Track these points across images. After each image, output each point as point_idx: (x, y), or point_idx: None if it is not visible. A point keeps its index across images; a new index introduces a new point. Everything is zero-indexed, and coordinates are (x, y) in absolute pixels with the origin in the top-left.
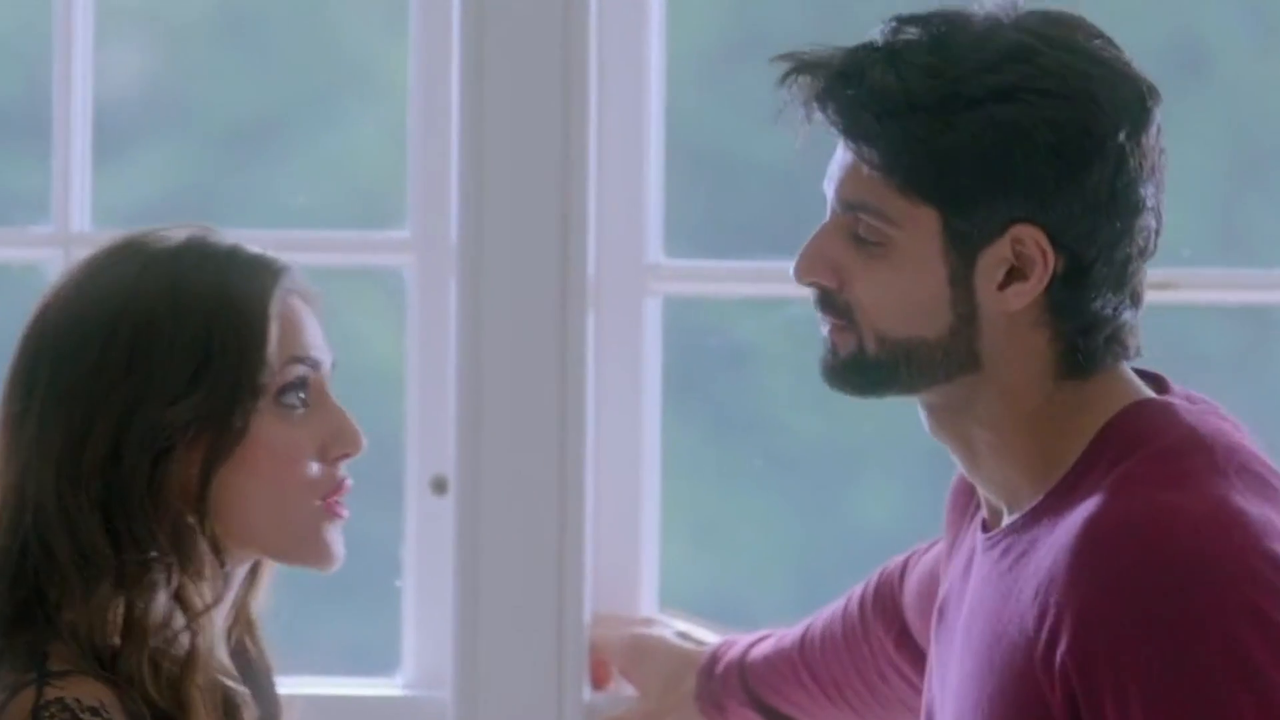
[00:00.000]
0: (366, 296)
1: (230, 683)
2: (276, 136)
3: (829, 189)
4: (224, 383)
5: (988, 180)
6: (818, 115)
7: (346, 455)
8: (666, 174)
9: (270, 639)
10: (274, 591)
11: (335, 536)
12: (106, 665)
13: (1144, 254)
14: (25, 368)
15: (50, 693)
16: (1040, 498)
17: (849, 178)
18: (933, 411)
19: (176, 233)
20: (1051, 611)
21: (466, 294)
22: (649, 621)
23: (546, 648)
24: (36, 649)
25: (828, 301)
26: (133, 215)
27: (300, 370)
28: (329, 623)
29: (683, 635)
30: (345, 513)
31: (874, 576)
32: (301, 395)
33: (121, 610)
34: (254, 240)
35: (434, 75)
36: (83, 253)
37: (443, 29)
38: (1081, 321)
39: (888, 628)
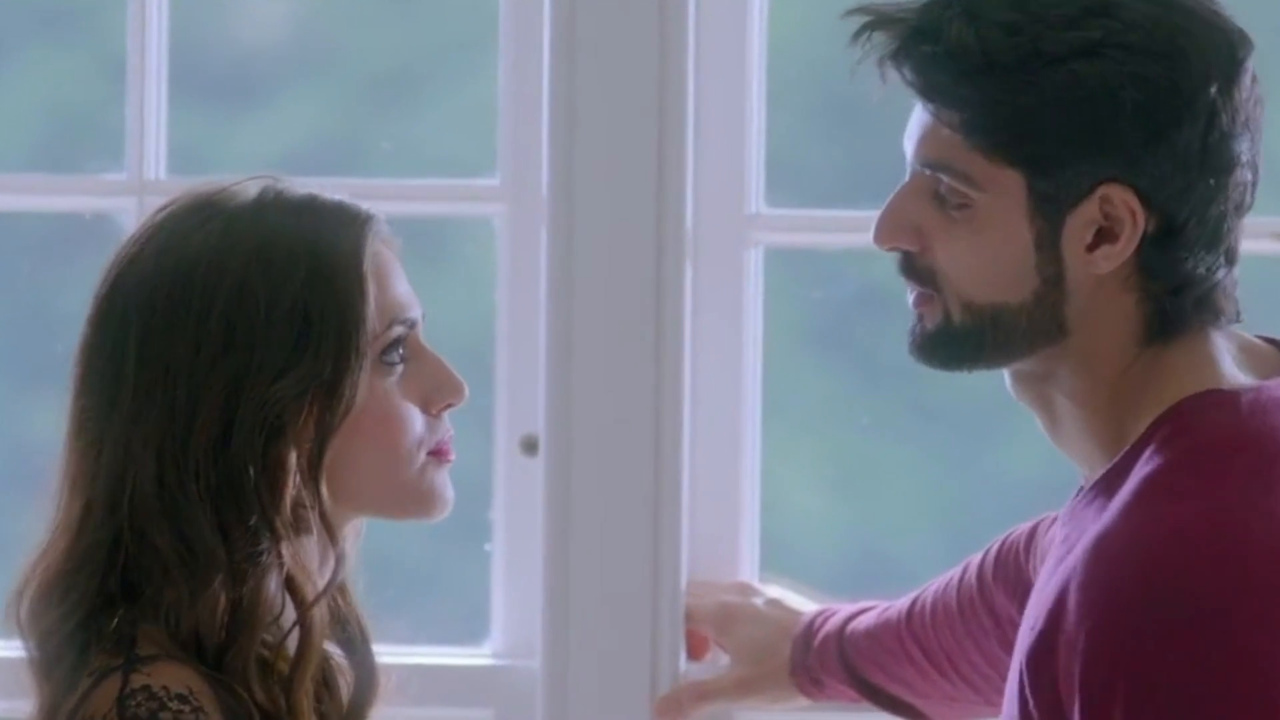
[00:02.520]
0: (456, 248)
1: (326, 655)
2: (420, 86)
3: (908, 147)
4: (327, 349)
5: (1073, 141)
6: (893, 74)
7: (450, 405)
8: (769, 118)
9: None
10: (361, 559)
11: (445, 483)
12: (210, 659)
13: (1240, 210)
14: (108, 345)
15: (137, 679)
16: (1100, 473)
17: (929, 137)
18: (1017, 376)
19: (249, 186)
20: (1044, 620)
21: (557, 245)
22: (743, 588)
23: (641, 616)
24: (125, 633)
25: (911, 267)
26: (275, 163)
27: (399, 330)
28: (417, 590)
29: (775, 603)
30: (453, 456)
31: (995, 544)
32: (400, 351)
33: (229, 607)
34: (339, 188)
35: (525, 15)
36: (156, 200)
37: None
38: (1172, 282)
39: (1011, 594)
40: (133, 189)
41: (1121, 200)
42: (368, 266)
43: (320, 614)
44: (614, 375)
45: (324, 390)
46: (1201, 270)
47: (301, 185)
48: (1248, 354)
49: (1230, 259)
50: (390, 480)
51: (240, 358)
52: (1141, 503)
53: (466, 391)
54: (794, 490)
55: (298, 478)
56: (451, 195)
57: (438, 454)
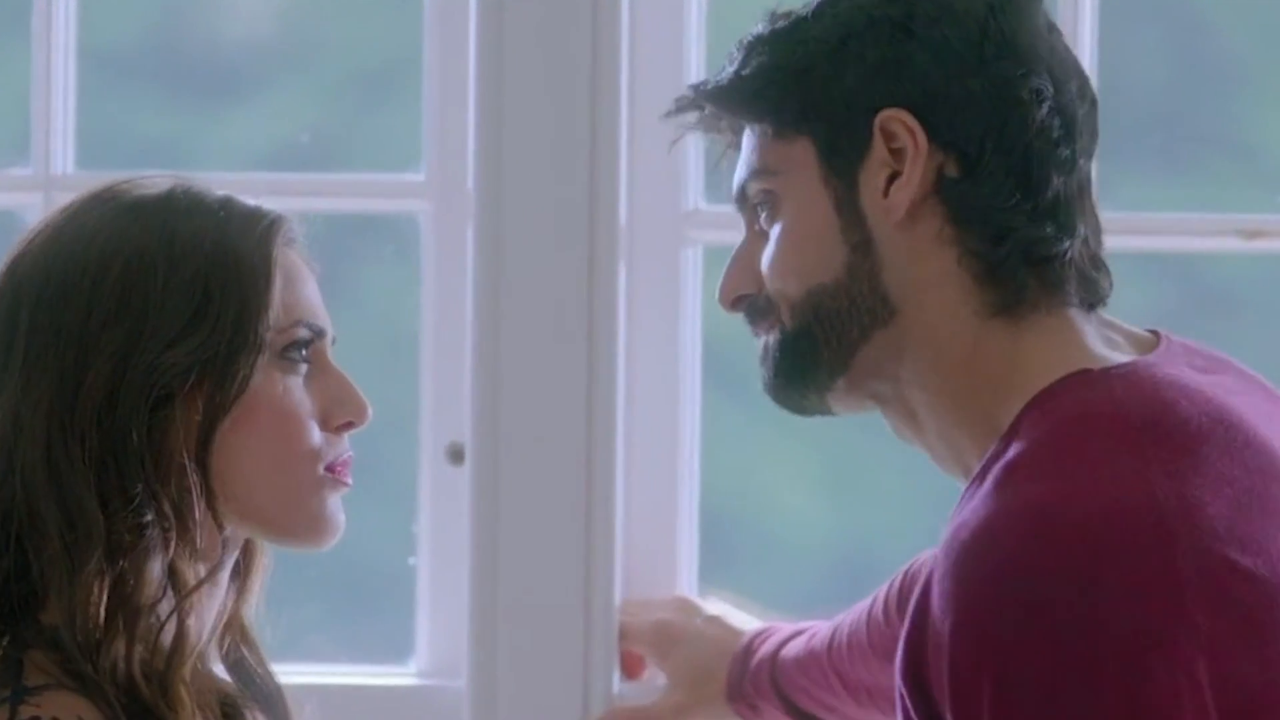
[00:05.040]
0: (379, 247)
1: (230, 686)
2: (403, 80)
3: (734, 200)
4: (224, 327)
5: (837, 72)
6: (711, 123)
7: (351, 424)
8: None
9: (271, 629)
10: (278, 572)
11: (337, 507)
12: (90, 658)
13: (1058, 158)
14: (3, 312)
15: (25, 711)
16: (976, 470)
17: (740, 165)
18: (873, 387)
19: (159, 181)
20: (910, 627)
21: (485, 243)
22: (682, 604)
23: (572, 634)
24: (11, 658)
25: (755, 312)
26: (260, 158)
27: (304, 332)
28: (337, 607)
29: (714, 621)
30: (350, 481)
31: (899, 573)
32: (304, 353)
33: (108, 588)
34: (231, 183)
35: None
36: (64, 197)
37: None
38: (987, 228)
39: None
40: (39, 184)
41: (899, 122)
42: (277, 258)
43: (201, 606)
44: (544, 380)
45: (217, 367)
46: (1018, 219)
47: (217, 187)
48: (1124, 337)
49: (1066, 224)
50: (281, 486)
51: (133, 323)
52: (1000, 488)
53: (369, 413)
54: (781, 490)
55: (185, 459)
56: (374, 191)
57: (334, 472)
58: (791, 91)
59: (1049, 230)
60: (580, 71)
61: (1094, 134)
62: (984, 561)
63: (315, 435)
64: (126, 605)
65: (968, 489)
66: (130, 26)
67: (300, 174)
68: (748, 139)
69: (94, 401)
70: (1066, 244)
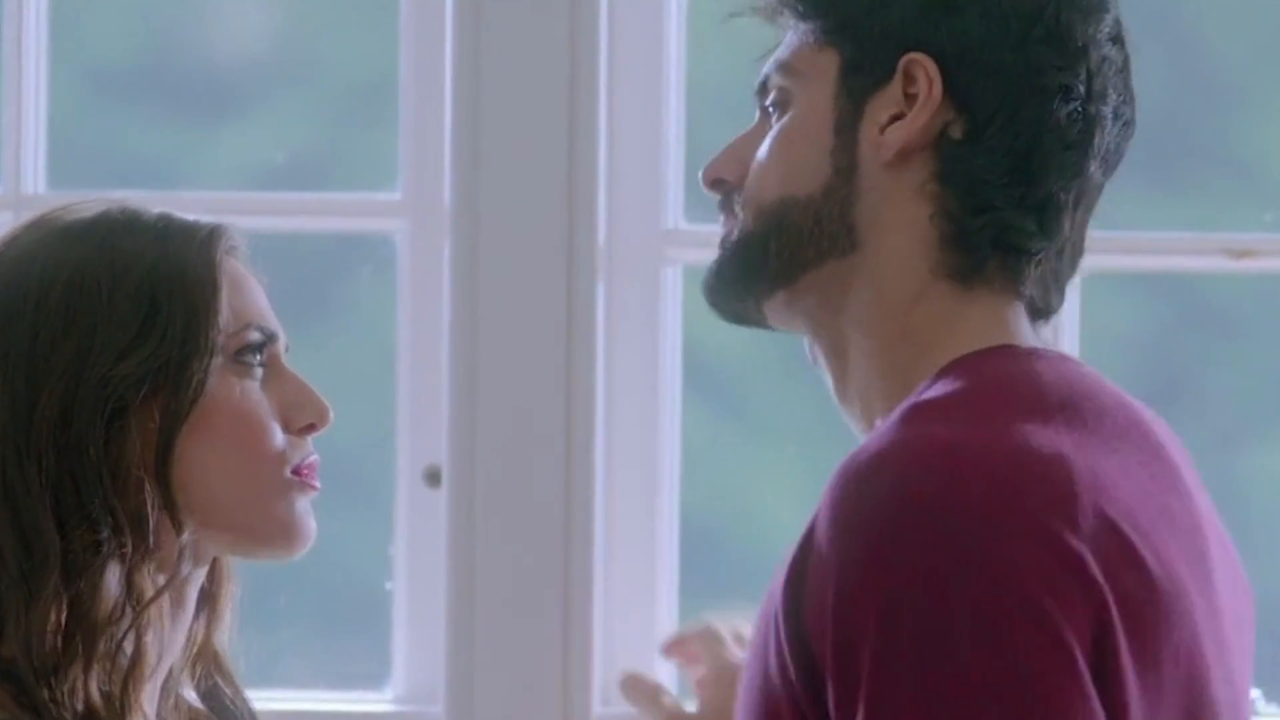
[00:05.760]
0: (355, 266)
1: (202, 713)
2: (390, 99)
3: (756, 93)
4: (174, 335)
5: (884, 3)
6: (768, 14)
7: (313, 427)
8: (688, 127)
9: (245, 655)
10: (251, 596)
11: (307, 511)
12: (47, 686)
13: (1060, 159)
14: None
15: None
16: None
17: (775, 52)
18: (809, 309)
19: (93, 204)
20: (794, 555)
21: (461, 263)
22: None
23: (551, 658)
24: None
25: (726, 203)
26: (256, 176)
27: (255, 335)
28: (313, 632)
29: None
30: (318, 484)
31: None
32: (259, 357)
33: (65, 610)
34: (203, 203)
35: (427, 15)
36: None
37: None
38: (970, 199)
39: None
40: (9, 204)
41: (922, 68)
42: (221, 264)
43: (160, 621)
44: (522, 401)
45: (170, 375)
46: (1002, 199)
47: (154, 207)
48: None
49: (1049, 227)
50: (247, 491)
51: (81, 339)
52: (905, 423)
53: (330, 414)
54: (765, 504)
55: (143, 473)
56: (350, 210)
57: (300, 475)
58: (839, 3)
59: (1030, 224)
60: (558, 89)
61: (1117, 159)
62: (881, 485)
63: (278, 437)
64: (84, 624)
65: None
66: (120, 45)
67: (275, 193)
68: (790, 34)
69: (49, 421)
70: (1043, 245)
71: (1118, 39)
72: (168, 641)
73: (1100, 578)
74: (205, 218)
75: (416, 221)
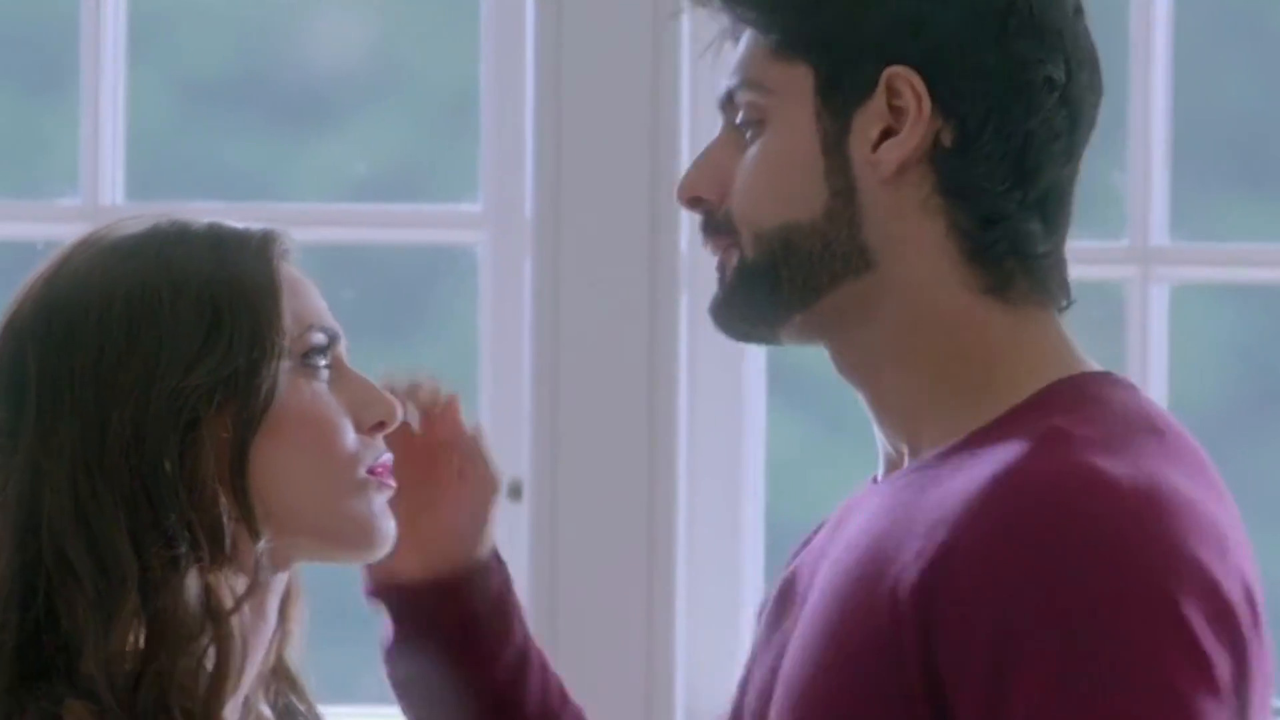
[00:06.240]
0: (437, 278)
1: None
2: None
3: (717, 100)
4: (240, 343)
5: (856, 13)
6: (722, 26)
7: (382, 425)
8: None
9: (321, 671)
10: (331, 611)
11: (385, 511)
12: (128, 705)
13: (1052, 150)
14: (4, 374)
15: None
16: (963, 436)
17: (733, 65)
18: (829, 330)
19: (141, 219)
20: (934, 549)
21: (543, 274)
22: None
23: (633, 673)
24: (48, 713)
25: (711, 222)
26: (349, 187)
27: (320, 337)
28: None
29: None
30: (393, 483)
31: None
32: (325, 359)
33: (145, 628)
34: (286, 214)
35: (507, 26)
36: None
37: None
38: (977, 209)
39: None
40: (88, 215)
41: (907, 83)
42: (278, 268)
43: (241, 630)
44: (604, 414)
45: (240, 383)
46: (1009, 204)
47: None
48: None
49: (1053, 221)
50: (325, 494)
51: (147, 354)
52: (1053, 447)
53: (400, 412)
54: None
55: (218, 484)
56: (430, 222)
57: (375, 475)
58: (806, 17)
59: (1036, 226)
60: (640, 98)
61: (1094, 125)
62: (1047, 503)
63: (350, 437)
64: (164, 641)
65: (953, 446)
66: (214, 57)
67: (356, 205)
68: (746, 43)
69: (122, 440)
70: (1049, 244)
71: (1078, 6)
72: (250, 654)
73: (1243, 636)
74: (256, 224)
75: (498, 233)
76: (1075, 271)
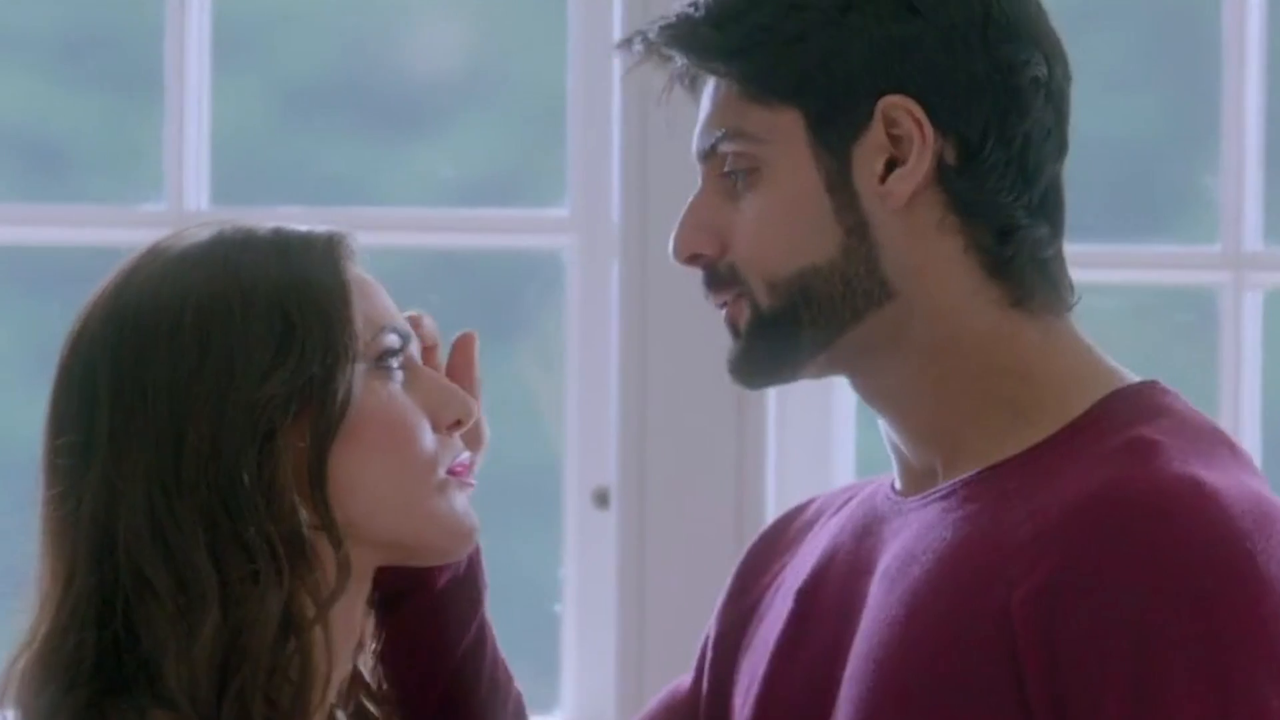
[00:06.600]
0: (523, 283)
1: None
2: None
3: (695, 155)
4: (314, 348)
5: (839, 47)
6: (674, 69)
7: (459, 423)
8: None
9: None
10: None
11: (468, 509)
12: (208, 710)
13: (1046, 149)
14: (75, 399)
15: None
16: (1019, 451)
17: (709, 116)
18: (854, 362)
19: (204, 227)
20: (1047, 568)
21: (630, 280)
22: None
23: None
24: None
25: (714, 276)
26: (441, 192)
27: (393, 338)
28: None
29: None
30: (473, 481)
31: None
32: (398, 361)
33: (226, 643)
34: (373, 219)
35: (594, 35)
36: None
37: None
38: (992, 221)
39: None
40: (172, 221)
41: (904, 110)
42: (346, 269)
43: (325, 641)
44: (692, 420)
45: (316, 390)
46: (1020, 213)
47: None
48: None
49: (1055, 219)
50: (406, 497)
51: (221, 366)
52: (1154, 459)
53: (474, 408)
54: None
55: (296, 495)
56: (518, 227)
57: (457, 474)
58: (784, 59)
59: (1044, 230)
60: None
61: (1070, 115)
62: (1168, 516)
63: (429, 438)
64: (247, 657)
65: (1009, 462)
66: (316, 63)
67: (444, 210)
68: (715, 91)
69: (199, 455)
70: (1055, 244)
71: (1039, 3)
72: (335, 663)
73: None
74: (321, 227)
75: (585, 238)
76: (1168, 276)
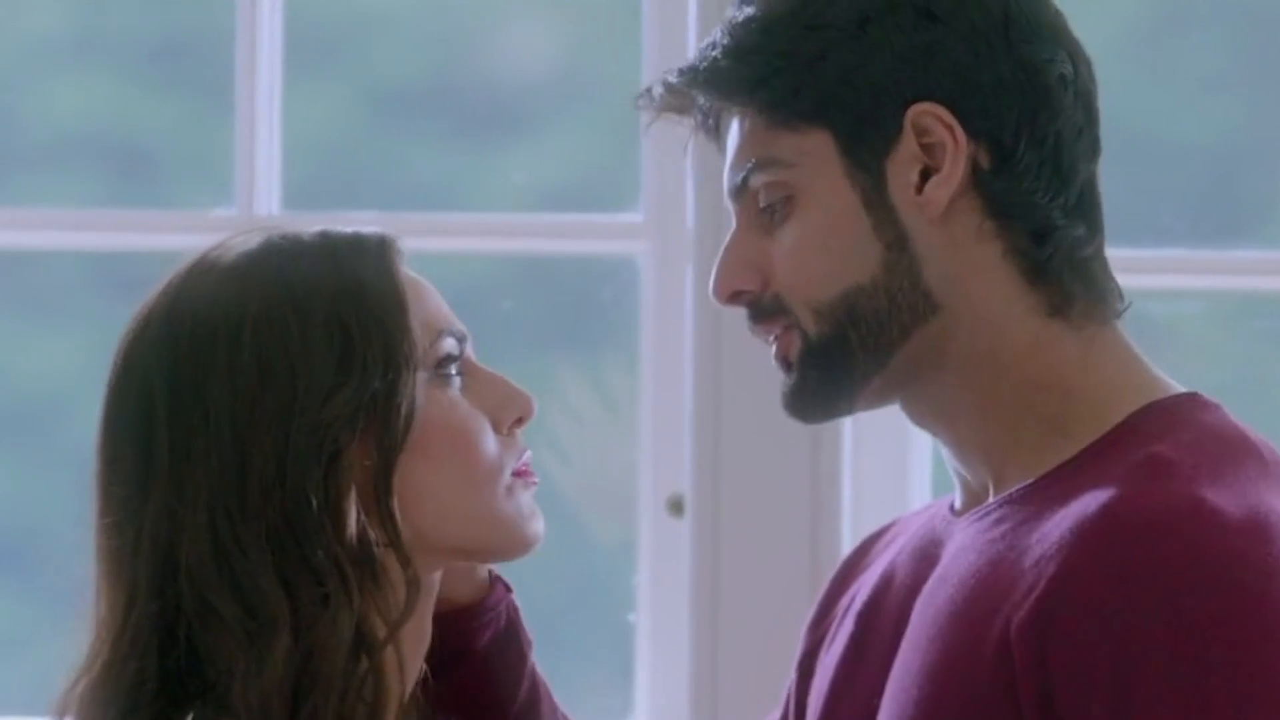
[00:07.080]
0: (598, 289)
1: None
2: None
3: (727, 194)
4: (375, 361)
5: (861, 61)
6: (695, 119)
7: (520, 421)
8: None
9: None
10: None
11: (533, 508)
12: None
13: (1079, 147)
14: (132, 421)
15: None
16: (1053, 467)
17: (737, 152)
18: (907, 383)
19: (252, 235)
20: (1044, 587)
21: (705, 285)
22: None
23: None
24: None
25: (759, 309)
26: (536, 197)
27: (451, 343)
28: (553, 665)
29: None
30: (537, 479)
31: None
32: (456, 365)
33: (298, 667)
34: (473, 223)
35: (669, 40)
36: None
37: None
38: (1029, 223)
39: None
40: (241, 226)
41: (934, 117)
42: (398, 272)
43: (396, 659)
44: (767, 427)
45: (380, 405)
46: (1056, 214)
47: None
48: None
49: (1092, 220)
50: (475, 505)
51: (283, 386)
52: (1158, 478)
53: (535, 405)
54: None
55: (362, 511)
56: (591, 232)
57: (522, 475)
58: (808, 81)
59: (1082, 230)
60: None
61: (1099, 115)
62: (1161, 539)
63: (493, 443)
64: (319, 680)
65: (1044, 478)
66: (405, 68)
67: (519, 215)
68: (741, 127)
69: (264, 479)
70: (1094, 244)
71: (1055, 6)
72: (408, 676)
73: None
74: (367, 228)
75: (660, 243)
76: (1252, 283)
